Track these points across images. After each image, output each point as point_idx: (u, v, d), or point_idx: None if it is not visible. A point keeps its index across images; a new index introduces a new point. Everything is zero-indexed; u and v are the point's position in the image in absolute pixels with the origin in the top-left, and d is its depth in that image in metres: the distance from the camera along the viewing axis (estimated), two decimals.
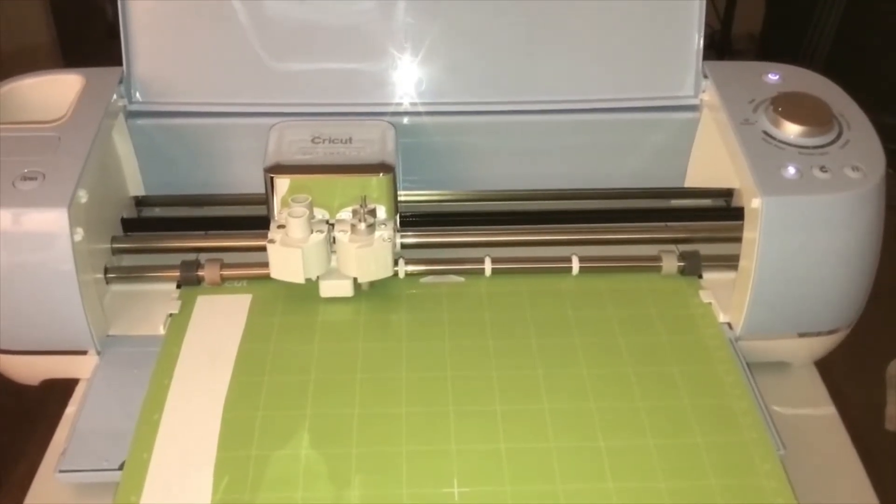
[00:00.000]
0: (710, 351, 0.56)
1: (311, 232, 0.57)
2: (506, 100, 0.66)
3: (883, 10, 1.56)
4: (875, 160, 0.56)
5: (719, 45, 1.90)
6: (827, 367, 0.61)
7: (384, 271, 0.58)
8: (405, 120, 0.65)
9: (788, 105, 0.59)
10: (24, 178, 0.54)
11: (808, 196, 0.54)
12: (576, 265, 0.61)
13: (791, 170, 0.55)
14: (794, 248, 0.55)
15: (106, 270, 0.59)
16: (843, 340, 0.61)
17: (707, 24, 0.65)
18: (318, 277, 0.58)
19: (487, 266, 0.61)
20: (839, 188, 0.54)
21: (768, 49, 1.83)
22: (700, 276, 0.62)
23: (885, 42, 1.57)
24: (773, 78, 0.63)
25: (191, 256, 0.61)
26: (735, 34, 1.90)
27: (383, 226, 0.58)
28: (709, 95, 0.65)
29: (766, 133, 0.58)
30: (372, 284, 0.60)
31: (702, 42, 0.65)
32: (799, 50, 1.69)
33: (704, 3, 0.64)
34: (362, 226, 0.57)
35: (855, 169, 0.55)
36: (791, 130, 0.58)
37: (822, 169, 0.55)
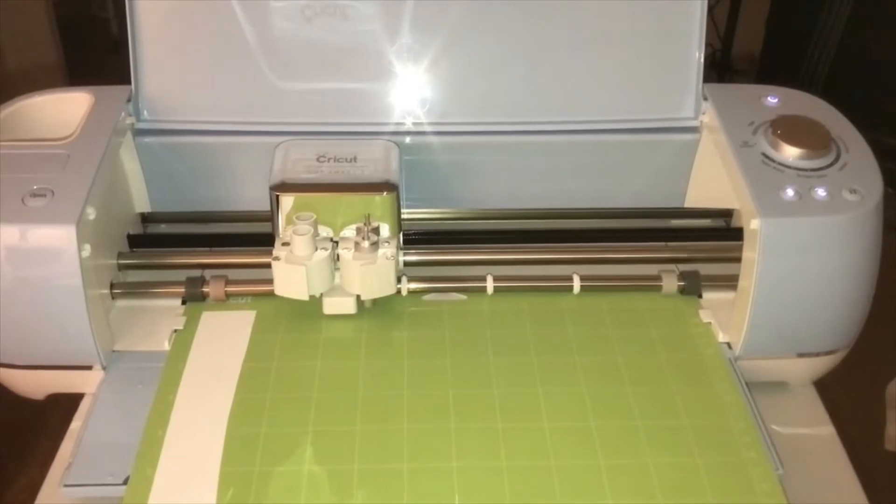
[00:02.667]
0: (710, 370, 0.57)
1: (316, 249, 0.58)
2: (508, 120, 0.67)
3: (882, 30, 1.58)
4: (873, 182, 0.57)
5: (720, 65, 1.91)
6: (826, 386, 0.62)
7: (387, 289, 0.59)
8: (409, 139, 0.66)
9: (787, 128, 0.60)
10: (34, 195, 0.54)
11: (806, 218, 0.55)
12: (577, 284, 0.62)
13: (790, 192, 0.56)
14: (792, 269, 0.55)
15: (112, 286, 0.60)
16: (843, 361, 0.61)
17: (708, 44, 0.66)
18: (321, 294, 0.59)
19: (489, 284, 0.61)
20: (837, 210, 0.55)
21: (768, 69, 1.84)
22: (700, 296, 0.62)
23: (884, 62, 1.58)
24: (772, 101, 0.64)
25: (196, 273, 0.62)
26: (735, 54, 1.92)
27: (386, 244, 0.59)
28: (709, 117, 0.65)
29: (765, 155, 0.59)
30: (375, 302, 0.60)
31: (702, 65, 0.66)
32: (799, 70, 1.71)
33: (705, 26, 0.65)
34: (366, 244, 0.58)
35: (853, 191, 0.56)
36: (790, 153, 0.58)
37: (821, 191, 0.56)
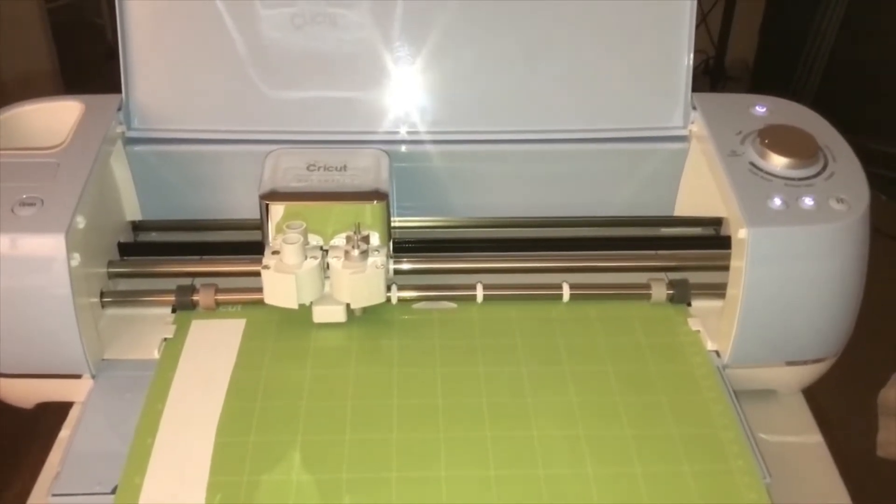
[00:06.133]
0: (698, 379, 0.57)
1: (305, 258, 0.58)
2: (499, 129, 0.67)
3: (875, 35, 1.59)
4: (859, 192, 0.57)
5: (713, 72, 1.92)
6: (816, 394, 0.62)
7: (377, 297, 0.59)
8: (401, 148, 0.66)
9: (775, 137, 0.60)
10: (23, 204, 0.54)
11: (793, 227, 0.55)
12: (566, 292, 0.62)
13: (777, 201, 0.56)
14: (780, 278, 0.55)
15: (102, 295, 0.60)
16: (833, 368, 0.61)
17: (701, 51, 0.66)
18: (311, 303, 0.59)
19: (479, 292, 0.62)
20: (824, 219, 0.55)
21: (762, 76, 1.85)
22: (689, 304, 0.63)
23: (877, 68, 1.59)
24: (760, 110, 0.64)
25: (186, 281, 0.62)
26: (729, 60, 1.92)
27: (376, 252, 0.59)
28: (697, 127, 0.66)
29: (752, 164, 0.59)
30: (364, 310, 0.60)
31: (691, 75, 0.66)
32: (793, 76, 1.71)
33: (693, 37, 0.65)
34: (356, 252, 0.58)
35: (840, 200, 0.56)
36: (777, 162, 0.59)
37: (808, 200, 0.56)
